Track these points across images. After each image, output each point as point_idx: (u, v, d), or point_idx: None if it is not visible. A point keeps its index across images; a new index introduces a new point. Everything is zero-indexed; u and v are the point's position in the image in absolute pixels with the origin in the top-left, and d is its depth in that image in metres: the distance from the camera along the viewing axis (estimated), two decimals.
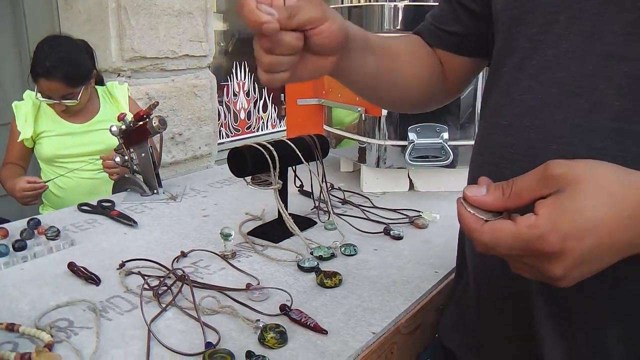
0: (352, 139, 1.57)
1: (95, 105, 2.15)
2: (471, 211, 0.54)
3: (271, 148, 1.14)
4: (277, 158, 1.13)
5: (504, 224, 0.51)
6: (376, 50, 0.78)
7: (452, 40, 0.89)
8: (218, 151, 3.43)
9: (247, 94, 4.24)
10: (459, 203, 0.55)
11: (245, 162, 1.12)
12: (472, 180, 0.79)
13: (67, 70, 1.91)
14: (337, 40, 0.66)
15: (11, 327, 0.85)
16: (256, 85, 4.31)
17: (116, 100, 2.18)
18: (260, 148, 1.13)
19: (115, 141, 2.06)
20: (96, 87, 2.19)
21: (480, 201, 0.54)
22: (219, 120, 3.59)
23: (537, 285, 0.65)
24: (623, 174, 0.51)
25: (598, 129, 0.60)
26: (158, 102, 1.58)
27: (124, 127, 1.56)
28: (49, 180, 2.01)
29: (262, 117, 4.40)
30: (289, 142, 1.19)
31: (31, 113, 2.05)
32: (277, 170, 1.14)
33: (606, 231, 0.49)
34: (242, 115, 4.21)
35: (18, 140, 2.05)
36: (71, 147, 2.08)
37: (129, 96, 2.24)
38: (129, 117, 1.57)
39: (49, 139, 2.07)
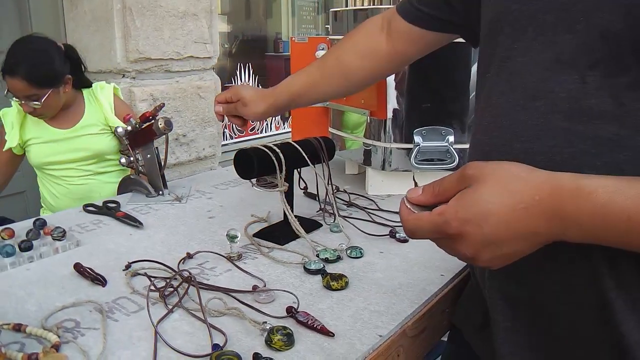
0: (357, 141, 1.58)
1: (79, 110, 2.11)
2: (409, 206, 0.66)
3: (277, 150, 1.14)
4: (283, 160, 1.13)
5: (424, 214, 0.63)
6: (307, 96, 1.24)
7: (425, 18, 1.05)
8: (222, 152, 3.43)
9: None
10: (401, 201, 0.68)
11: (252, 164, 1.12)
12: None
13: (29, 68, 1.87)
14: (262, 118, 1.27)
15: (18, 328, 0.85)
16: (260, 86, 4.31)
17: (100, 103, 2.13)
18: (267, 150, 1.13)
19: (101, 146, 2.08)
20: (83, 90, 2.15)
21: (417, 199, 0.66)
22: (222, 121, 3.59)
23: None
24: (525, 173, 0.60)
25: (552, 128, 0.66)
26: (164, 104, 1.58)
27: (129, 128, 1.57)
28: None
29: (265, 119, 4.40)
30: (295, 144, 1.19)
31: (17, 120, 2.03)
32: (284, 172, 1.14)
33: (500, 219, 0.58)
34: None
35: (4, 150, 2.04)
36: (57, 154, 2.06)
37: (115, 96, 2.19)
38: (135, 118, 1.58)
39: (36, 147, 2.06)
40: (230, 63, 4.15)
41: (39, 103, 1.91)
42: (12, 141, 2.02)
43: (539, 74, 0.69)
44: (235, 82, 4.14)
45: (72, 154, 2.07)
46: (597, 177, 0.58)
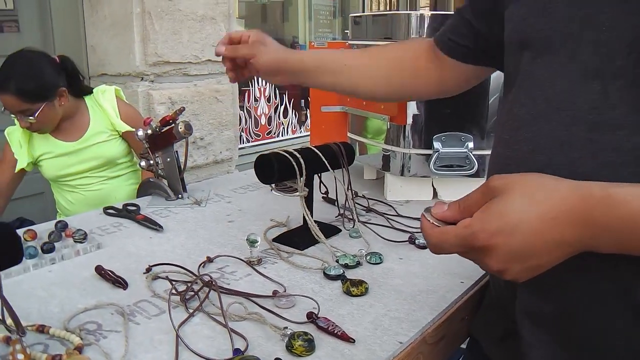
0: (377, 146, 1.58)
1: (84, 119, 2.09)
2: (432, 221, 0.66)
3: (298, 155, 1.14)
4: (303, 165, 1.14)
5: (449, 227, 0.63)
6: (333, 70, 1.14)
7: (458, 50, 1.02)
8: (239, 156, 3.44)
9: (268, 100, 4.26)
10: (421, 215, 0.68)
11: (272, 169, 1.12)
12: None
13: (18, 84, 1.84)
14: (264, 69, 1.13)
15: (41, 329, 0.86)
16: (277, 90, 4.33)
17: (104, 109, 2.10)
18: (287, 155, 1.14)
19: (112, 153, 2.08)
20: (85, 97, 2.12)
21: (442, 215, 0.65)
22: (239, 125, 3.60)
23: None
24: (552, 182, 0.60)
25: (575, 140, 0.66)
26: (184, 108, 1.59)
27: (149, 132, 1.57)
28: None
29: (282, 123, 4.42)
30: (315, 149, 1.19)
31: (24, 138, 2.02)
32: (304, 177, 1.14)
33: (530, 230, 0.57)
34: (263, 120, 4.24)
35: (16, 171, 2.02)
36: (70, 166, 2.06)
37: (118, 98, 2.16)
38: (155, 122, 1.58)
39: (48, 162, 2.05)
40: None
41: (34, 118, 1.88)
42: (22, 161, 2.01)
43: (562, 85, 0.69)
44: (252, 87, 4.15)
45: (84, 164, 2.07)
46: (626, 186, 0.57)
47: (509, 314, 0.81)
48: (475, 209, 0.62)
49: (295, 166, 1.13)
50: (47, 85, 1.91)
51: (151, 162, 1.60)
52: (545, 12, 0.72)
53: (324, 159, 1.19)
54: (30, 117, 1.87)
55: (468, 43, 1.00)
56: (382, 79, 1.12)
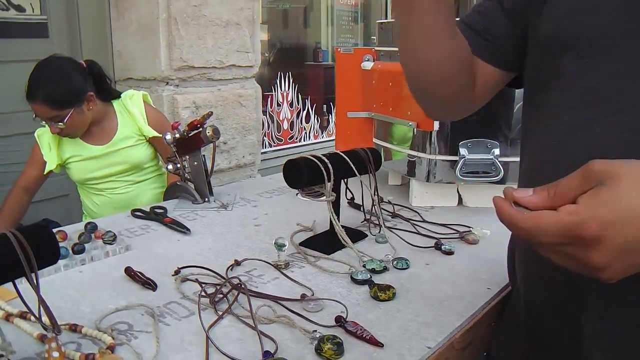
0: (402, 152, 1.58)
1: (113, 123, 2.10)
2: (516, 208, 0.56)
3: (326, 160, 1.15)
4: (332, 170, 1.15)
5: (547, 213, 0.54)
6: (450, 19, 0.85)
7: (489, 48, 0.90)
8: (261, 160, 3.46)
9: (291, 105, 4.28)
10: (496, 200, 0.58)
11: (301, 174, 1.13)
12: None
13: (46, 91, 1.86)
14: None
15: (74, 328, 0.87)
16: (299, 95, 4.35)
17: (132, 114, 2.12)
18: (316, 160, 1.15)
19: (138, 157, 2.10)
20: (113, 101, 2.13)
21: (528, 201, 0.56)
22: (262, 129, 3.63)
23: (589, 292, 0.66)
24: None
25: (634, 143, 0.63)
26: (212, 112, 1.61)
27: (177, 135, 1.59)
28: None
29: (304, 128, 4.43)
30: (342, 154, 1.20)
31: (53, 141, 2.04)
32: (332, 182, 1.15)
33: None
34: (285, 125, 4.25)
35: (44, 173, 2.06)
36: (97, 170, 2.08)
37: (146, 103, 2.17)
38: (183, 126, 1.60)
39: (75, 164, 2.07)
40: (269, 72, 4.19)
41: (63, 124, 1.91)
42: (51, 163, 2.04)
43: (620, 86, 0.65)
44: (274, 91, 4.17)
45: (111, 168, 2.09)
46: None
47: (537, 335, 0.79)
48: (571, 195, 0.54)
49: (324, 171, 1.14)
50: (75, 91, 1.93)
51: (178, 165, 1.62)
52: (596, 9, 0.68)
53: (351, 164, 1.19)
54: (60, 123, 1.90)
55: (500, 43, 0.90)
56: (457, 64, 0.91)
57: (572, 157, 0.68)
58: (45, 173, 2.05)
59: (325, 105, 4.61)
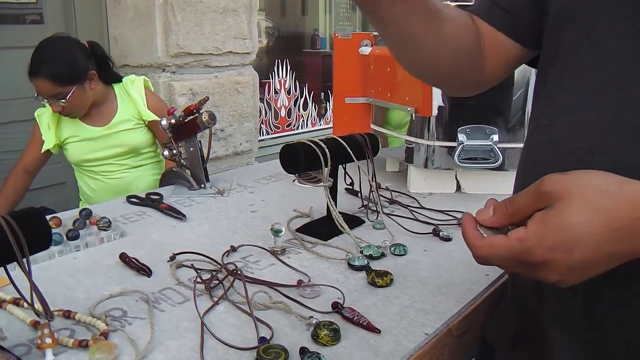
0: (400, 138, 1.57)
1: (112, 106, 2.11)
2: (478, 229, 0.61)
3: (323, 146, 1.13)
4: (329, 156, 1.13)
5: (498, 238, 0.57)
6: (430, 11, 0.77)
7: (507, 20, 0.84)
8: (258, 148, 3.45)
9: (288, 92, 4.26)
10: (463, 221, 0.64)
11: (298, 159, 1.12)
12: (518, 180, 0.80)
13: (51, 67, 1.87)
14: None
15: (67, 314, 0.86)
16: (297, 83, 4.32)
17: (132, 98, 2.12)
18: (313, 145, 1.13)
19: (136, 141, 2.09)
20: (113, 85, 2.14)
21: (489, 222, 0.60)
22: (259, 117, 3.61)
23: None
24: (615, 186, 0.54)
25: (625, 125, 0.62)
26: (208, 98, 1.59)
27: (173, 121, 1.58)
28: None
29: (302, 115, 4.41)
30: (340, 140, 1.19)
31: (53, 120, 2.04)
32: (329, 167, 1.14)
33: (593, 243, 0.52)
34: (283, 112, 4.24)
35: (42, 152, 2.06)
36: (94, 151, 2.08)
37: (146, 89, 2.18)
38: (179, 111, 1.59)
39: (73, 145, 2.07)
40: (267, 59, 4.17)
41: (65, 101, 1.91)
42: (49, 142, 2.04)
43: (612, 69, 0.64)
44: (272, 79, 4.15)
45: (109, 150, 2.09)
46: None
47: (533, 318, 0.79)
48: (525, 213, 0.57)
49: (321, 156, 1.13)
50: (79, 68, 1.94)
51: (174, 151, 1.60)
52: None
53: (349, 150, 1.18)
54: (62, 101, 1.90)
55: (519, 13, 0.83)
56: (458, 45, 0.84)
57: (557, 140, 0.69)
58: (42, 152, 2.05)
59: (323, 93, 4.58)
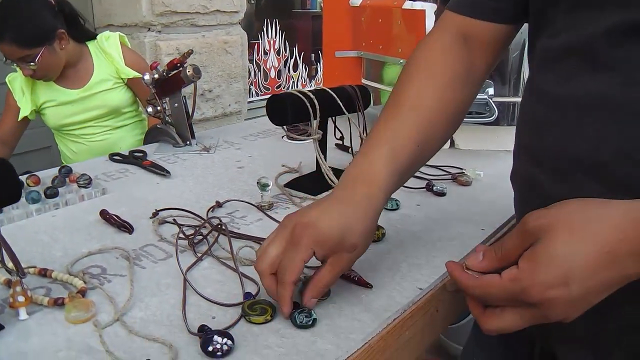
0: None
1: (88, 66, 2.01)
2: (469, 272, 0.61)
3: (312, 96, 1.08)
4: (318, 107, 1.08)
5: (492, 279, 0.57)
6: (412, 166, 0.82)
7: (492, 5, 0.81)
8: (248, 110, 3.38)
9: (278, 53, 4.18)
10: (449, 268, 0.63)
11: (285, 111, 1.07)
12: (519, 139, 0.76)
13: (14, 30, 1.77)
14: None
15: (44, 273, 0.82)
16: (287, 43, 4.24)
17: (108, 55, 2.02)
18: (301, 96, 1.08)
19: (116, 101, 2.02)
20: (88, 43, 2.04)
21: (479, 266, 0.60)
22: (249, 78, 3.54)
23: None
24: (597, 209, 0.53)
25: (607, 91, 0.58)
26: (192, 51, 1.52)
27: (156, 76, 1.51)
28: None
29: (292, 77, 4.34)
30: (330, 91, 1.14)
31: (27, 85, 1.95)
32: (318, 119, 1.09)
33: (587, 272, 0.51)
34: (273, 74, 4.16)
35: (19, 120, 1.98)
36: (74, 114, 2.00)
37: (123, 45, 2.07)
38: (162, 66, 1.52)
39: (51, 110, 1.99)
40: (256, 19, 4.07)
41: (35, 64, 1.82)
42: (25, 109, 1.95)
43: (595, 43, 0.59)
44: (261, 39, 4.06)
45: (89, 112, 2.01)
46: None
47: None
48: (514, 254, 0.56)
49: (310, 108, 1.08)
50: (45, 27, 1.84)
51: (158, 108, 1.54)
52: None
53: (339, 101, 1.13)
54: (32, 64, 1.81)
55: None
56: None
57: (532, 117, 0.68)
58: (19, 120, 1.97)
59: (313, 55, 4.50)
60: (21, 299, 0.72)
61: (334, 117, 1.22)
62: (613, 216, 0.52)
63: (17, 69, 1.89)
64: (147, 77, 1.52)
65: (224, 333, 0.65)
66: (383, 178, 0.74)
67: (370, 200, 0.72)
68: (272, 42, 4.13)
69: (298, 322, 0.69)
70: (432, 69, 0.83)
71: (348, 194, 0.73)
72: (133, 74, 1.98)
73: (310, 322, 0.69)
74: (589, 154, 0.60)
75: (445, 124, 0.83)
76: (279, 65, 4.21)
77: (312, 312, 0.71)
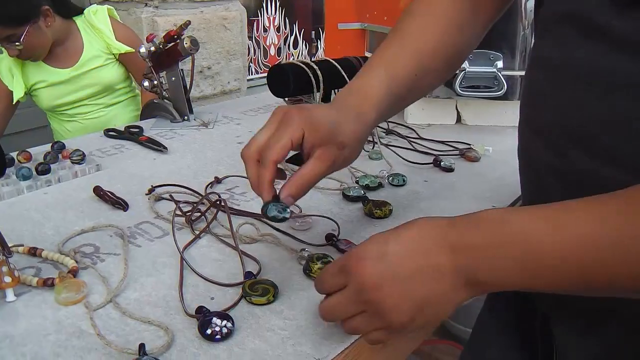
0: None
1: (78, 43, 1.93)
2: None
3: (315, 67, 1.03)
4: (321, 78, 1.03)
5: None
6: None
7: None
8: (247, 87, 3.33)
9: (278, 30, 4.12)
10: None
11: (287, 81, 1.02)
12: (521, 110, 0.72)
13: None
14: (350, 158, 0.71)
15: (34, 252, 0.78)
16: (287, 20, 4.17)
17: (98, 30, 1.93)
18: (304, 67, 1.03)
19: (109, 78, 1.95)
20: (75, 19, 1.95)
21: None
22: (248, 55, 3.48)
23: None
24: (392, 242, 0.53)
25: (599, 59, 0.54)
26: (190, 22, 1.46)
27: (153, 49, 1.46)
28: None
29: (292, 54, 4.28)
30: (333, 62, 1.09)
31: (16, 67, 1.88)
32: (321, 91, 1.04)
33: (398, 251, 0.52)
34: (272, 51, 4.10)
35: (12, 103, 1.91)
36: (66, 95, 1.94)
37: (112, 18, 1.98)
38: (159, 38, 1.47)
39: (43, 91, 1.92)
40: None
41: (20, 43, 1.74)
42: (18, 92, 1.88)
43: (584, 14, 0.55)
44: (260, 16, 3.99)
45: (82, 91, 1.95)
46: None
47: None
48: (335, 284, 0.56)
49: (313, 79, 1.03)
50: (28, 4, 1.75)
51: (155, 82, 1.49)
52: None
53: (343, 73, 1.08)
54: (17, 43, 1.73)
55: None
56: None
57: (529, 84, 0.66)
58: (13, 104, 1.91)
59: (313, 32, 4.43)
60: (8, 279, 0.67)
61: (337, 90, 1.17)
62: (421, 221, 0.55)
63: (3, 49, 1.81)
64: (143, 49, 1.46)
65: (223, 315, 0.61)
66: (376, 94, 0.71)
67: (361, 109, 0.70)
68: (272, 18, 4.07)
69: (269, 214, 0.64)
70: (437, 5, 0.79)
71: (340, 103, 0.71)
72: (125, 48, 1.91)
73: (280, 217, 0.64)
74: (579, 123, 0.56)
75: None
76: (278, 43, 4.15)
77: (287, 208, 0.65)
